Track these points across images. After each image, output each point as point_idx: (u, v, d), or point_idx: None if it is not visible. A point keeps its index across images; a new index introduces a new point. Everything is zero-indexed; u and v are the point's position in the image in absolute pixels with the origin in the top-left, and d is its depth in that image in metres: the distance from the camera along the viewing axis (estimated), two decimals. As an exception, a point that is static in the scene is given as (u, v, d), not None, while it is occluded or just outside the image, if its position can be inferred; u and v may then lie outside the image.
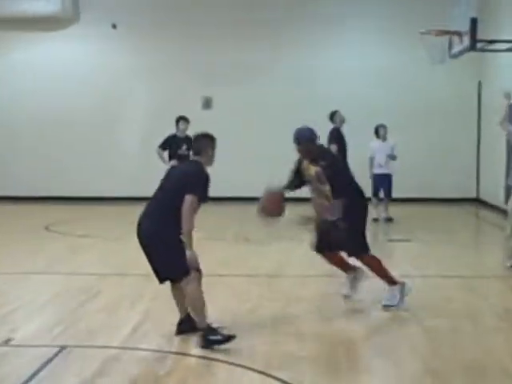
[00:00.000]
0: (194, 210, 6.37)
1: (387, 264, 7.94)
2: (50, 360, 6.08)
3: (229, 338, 6.43)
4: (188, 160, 6.81)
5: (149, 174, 16.11)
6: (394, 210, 15.08)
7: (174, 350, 6.44)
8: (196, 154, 6.69)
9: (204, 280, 8.69)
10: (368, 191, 14.77)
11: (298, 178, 7.83)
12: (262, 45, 17.90)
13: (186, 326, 6.79)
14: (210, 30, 17.85)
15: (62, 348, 6.40)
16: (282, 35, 17.87)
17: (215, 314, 7.48)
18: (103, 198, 17.91)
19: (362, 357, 6.47)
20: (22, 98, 18.22)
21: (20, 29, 18.22)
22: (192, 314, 6.66)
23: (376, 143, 14.86)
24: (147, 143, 15.91)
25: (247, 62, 17.89)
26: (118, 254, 11.17)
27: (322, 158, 7.55)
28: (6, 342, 6.52)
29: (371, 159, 14.76)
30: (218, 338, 6.43)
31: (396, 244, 12.62)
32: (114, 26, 18.04)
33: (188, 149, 13.47)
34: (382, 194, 14.98)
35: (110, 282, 9.20)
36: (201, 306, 6.52)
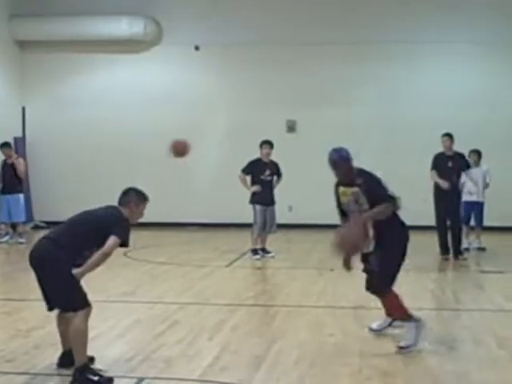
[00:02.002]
0: (112, 253, 6.23)
1: (479, 296, 7.52)
2: (127, 392, 5.93)
3: (108, 381, 6.12)
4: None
5: (230, 199, 16.02)
6: (487, 239, 14.53)
7: (255, 383, 6.15)
8: (120, 206, 6.50)
9: (286, 310, 8.44)
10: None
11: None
12: (347, 67, 17.62)
13: (68, 359, 6.40)
14: (294, 51, 17.66)
15: (140, 380, 6.22)
16: (367, 56, 17.53)
17: (296, 347, 7.22)
18: (183, 223, 17.80)
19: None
20: (103, 119, 18.33)
21: (103, 51, 18.42)
22: (73, 350, 6.22)
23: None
24: (229, 167, 15.74)
25: (332, 84, 17.64)
26: (200, 282, 10.99)
27: (359, 177, 7.15)
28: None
29: (462, 185, 14.22)
30: (96, 378, 6.11)
31: (488, 275, 12.08)
32: (197, 48, 18.03)
33: (271, 174, 13.25)
34: (473, 222, 14.42)
35: (191, 311, 8.99)
36: (83, 341, 6.18)
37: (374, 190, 7.08)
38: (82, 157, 18.51)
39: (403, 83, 17.60)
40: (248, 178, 13.24)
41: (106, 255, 6.21)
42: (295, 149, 17.05)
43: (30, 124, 18.76)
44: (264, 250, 13.19)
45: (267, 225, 13.11)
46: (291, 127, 17.90)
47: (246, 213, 13.37)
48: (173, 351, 7.12)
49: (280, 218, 13.61)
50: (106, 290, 10.22)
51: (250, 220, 13.21)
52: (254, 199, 13.08)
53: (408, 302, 8.97)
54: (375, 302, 7.72)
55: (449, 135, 13.30)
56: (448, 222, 13.26)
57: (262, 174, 13.18)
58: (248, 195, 13.20)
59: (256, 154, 13.42)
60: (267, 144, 13.37)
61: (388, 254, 7.10)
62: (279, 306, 9.18)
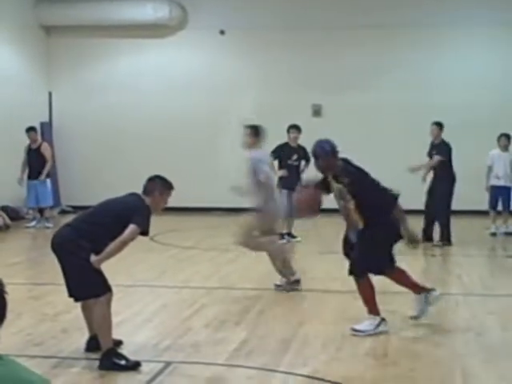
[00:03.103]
0: (131, 241, 6.23)
1: (507, 281, 7.46)
2: (155, 376, 5.94)
3: (134, 365, 6.14)
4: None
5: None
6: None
7: (281, 368, 6.15)
8: (144, 194, 6.49)
9: (312, 295, 8.43)
10: (485, 203, 14.33)
11: (325, 185, 7.35)
12: (374, 50, 17.47)
13: (95, 343, 6.46)
14: (320, 34, 17.53)
15: (168, 364, 6.25)
16: (395, 39, 17.37)
17: (323, 332, 7.21)
18: (209, 208, 17.81)
19: (478, 378, 6.03)
20: (129, 105, 18.35)
21: (128, 36, 18.42)
22: (98, 335, 6.30)
23: (495, 152, 14.15)
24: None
25: (358, 68, 17.50)
26: (226, 267, 11.00)
27: (346, 175, 7.09)
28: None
29: (489, 168, 14.11)
30: (122, 362, 6.14)
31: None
32: (222, 32, 17.97)
33: (299, 159, 13.20)
34: (500, 207, 14.29)
35: (217, 296, 9.00)
36: (107, 326, 6.22)
37: (364, 193, 7.09)
38: (108, 142, 18.54)
39: (431, 68, 17.40)
40: (275, 163, 13.20)
41: (124, 243, 6.21)
42: (321, 133, 16.73)
43: (57, 109, 18.82)
44: (290, 235, 13.16)
45: (294, 209, 13.06)
46: (317, 111, 17.82)
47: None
48: (200, 336, 7.14)
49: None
50: (132, 274, 10.28)
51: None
52: (281, 184, 13.03)
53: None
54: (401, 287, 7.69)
55: (437, 124, 13.18)
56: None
57: (289, 159, 13.14)
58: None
59: (282, 138, 13.38)
60: (294, 128, 13.32)
61: (367, 240, 7.14)
62: (305, 291, 9.17)
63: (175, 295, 9.10)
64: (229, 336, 7.12)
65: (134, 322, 7.74)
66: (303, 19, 17.57)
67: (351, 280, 7.33)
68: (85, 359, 6.42)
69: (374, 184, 7.25)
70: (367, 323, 7.24)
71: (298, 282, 9.17)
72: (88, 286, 6.21)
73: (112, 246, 6.18)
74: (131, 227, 6.16)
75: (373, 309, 7.32)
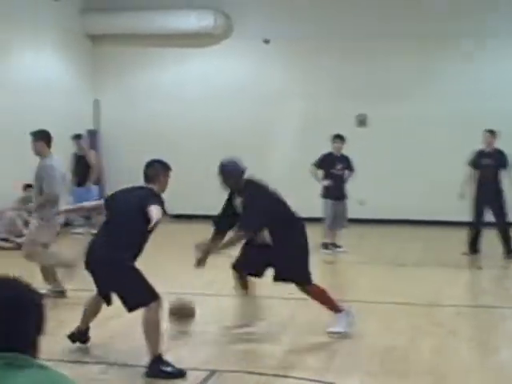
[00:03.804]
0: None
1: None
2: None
3: (180, 373, 6.17)
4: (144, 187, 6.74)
5: (301, 193, 15.95)
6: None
7: (329, 380, 6.13)
8: (148, 181, 6.62)
9: (357, 305, 8.40)
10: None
11: (231, 210, 7.54)
12: (420, 59, 17.33)
13: (81, 336, 6.74)
14: (365, 44, 17.42)
15: (213, 372, 6.26)
16: (443, 49, 17.21)
17: (367, 344, 7.18)
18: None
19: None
20: (173, 113, 18.42)
21: (172, 45, 18.51)
22: (146, 342, 6.28)
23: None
24: (300, 161, 15.69)
25: (405, 78, 17.38)
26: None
27: (245, 190, 7.43)
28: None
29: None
30: (169, 369, 6.17)
31: None
32: (267, 41, 17.99)
33: (343, 168, 13.18)
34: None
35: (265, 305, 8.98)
36: (157, 333, 6.24)
37: (244, 211, 7.28)
38: (153, 150, 18.46)
39: (479, 78, 17.22)
40: (320, 172, 13.20)
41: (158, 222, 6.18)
42: (365, 143, 16.89)
43: (103, 116, 19.01)
44: (335, 245, 13.13)
45: (338, 219, 13.05)
46: (362, 121, 17.74)
47: (317, 207, 13.34)
48: (245, 345, 7.14)
49: (351, 213, 13.51)
50: (179, 282, 10.28)
51: (321, 214, 13.17)
52: (326, 193, 13.03)
53: (470, 299, 8.91)
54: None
55: (490, 131, 13.01)
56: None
57: (333, 168, 13.12)
58: (319, 189, 13.17)
59: (326, 147, 13.37)
60: (339, 138, 13.30)
61: (291, 249, 7.31)
62: (350, 301, 9.12)
63: (221, 303, 9.08)
64: (273, 346, 7.12)
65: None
66: (348, 28, 17.50)
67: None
68: (132, 366, 6.46)
69: (273, 199, 7.59)
70: (339, 322, 7.39)
71: (62, 292, 9.14)
72: (138, 295, 6.27)
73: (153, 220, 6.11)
74: (153, 207, 6.15)
75: (335, 306, 7.47)
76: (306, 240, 7.48)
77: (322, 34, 17.58)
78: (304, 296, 7.53)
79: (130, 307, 6.36)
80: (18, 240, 12.75)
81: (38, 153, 9.24)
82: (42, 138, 9.25)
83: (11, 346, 2.19)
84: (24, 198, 14.04)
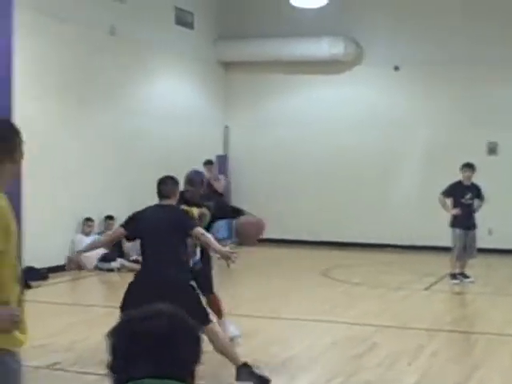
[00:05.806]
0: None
1: None
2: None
3: (266, 380, 6.43)
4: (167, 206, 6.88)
5: (429, 221, 15.81)
6: None
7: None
8: (166, 197, 6.82)
9: (487, 338, 8.26)
10: None
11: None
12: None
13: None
14: (497, 70, 17.09)
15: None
16: None
17: (499, 377, 7.04)
18: (379, 244, 17.65)
19: None
20: (301, 140, 18.53)
21: (302, 72, 18.68)
22: (226, 357, 6.55)
23: None
24: (428, 189, 15.54)
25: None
26: (397, 305, 10.91)
27: (207, 200, 7.99)
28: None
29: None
30: (258, 371, 6.48)
31: None
32: (397, 68, 17.93)
33: (472, 197, 12.96)
34: None
35: (389, 334, 8.94)
36: (230, 346, 6.63)
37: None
38: (283, 176, 18.79)
39: None
40: (448, 201, 13.01)
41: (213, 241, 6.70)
42: (496, 172, 16.54)
43: (232, 142, 19.37)
44: (463, 275, 12.90)
45: (467, 249, 12.82)
46: (492, 149, 17.38)
47: (445, 236, 13.16)
48: (371, 375, 7.12)
49: (480, 242, 13.25)
50: (304, 309, 10.37)
51: (450, 243, 12.98)
52: (454, 223, 12.83)
53: (498, 327, 8.61)
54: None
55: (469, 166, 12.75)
56: None
57: (462, 198, 12.90)
58: (447, 218, 12.98)
59: (455, 176, 13.18)
60: (468, 167, 13.07)
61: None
62: (480, 333, 8.98)
63: (347, 332, 9.08)
64: (401, 377, 7.08)
65: (305, 358, 7.80)
66: (479, 54, 17.20)
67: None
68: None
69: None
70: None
71: None
72: (205, 313, 6.53)
73: (215, 247, 6.68)
74: (199, 230, 6.60)
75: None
76: None
77: (452, 60, 17.39)
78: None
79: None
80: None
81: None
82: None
83: (173, 374, 2.30)
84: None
